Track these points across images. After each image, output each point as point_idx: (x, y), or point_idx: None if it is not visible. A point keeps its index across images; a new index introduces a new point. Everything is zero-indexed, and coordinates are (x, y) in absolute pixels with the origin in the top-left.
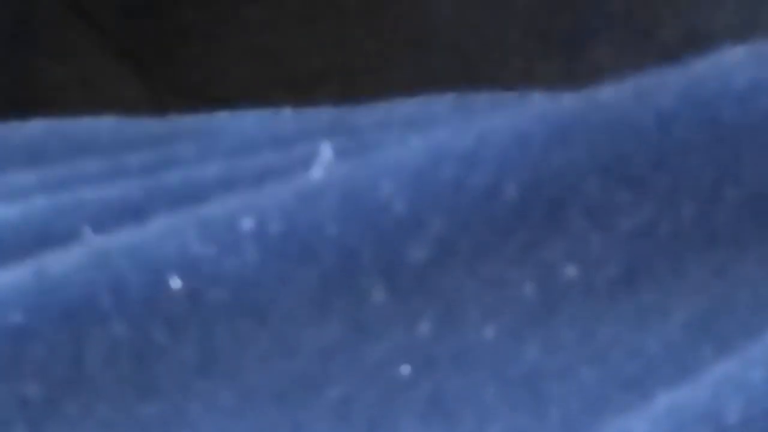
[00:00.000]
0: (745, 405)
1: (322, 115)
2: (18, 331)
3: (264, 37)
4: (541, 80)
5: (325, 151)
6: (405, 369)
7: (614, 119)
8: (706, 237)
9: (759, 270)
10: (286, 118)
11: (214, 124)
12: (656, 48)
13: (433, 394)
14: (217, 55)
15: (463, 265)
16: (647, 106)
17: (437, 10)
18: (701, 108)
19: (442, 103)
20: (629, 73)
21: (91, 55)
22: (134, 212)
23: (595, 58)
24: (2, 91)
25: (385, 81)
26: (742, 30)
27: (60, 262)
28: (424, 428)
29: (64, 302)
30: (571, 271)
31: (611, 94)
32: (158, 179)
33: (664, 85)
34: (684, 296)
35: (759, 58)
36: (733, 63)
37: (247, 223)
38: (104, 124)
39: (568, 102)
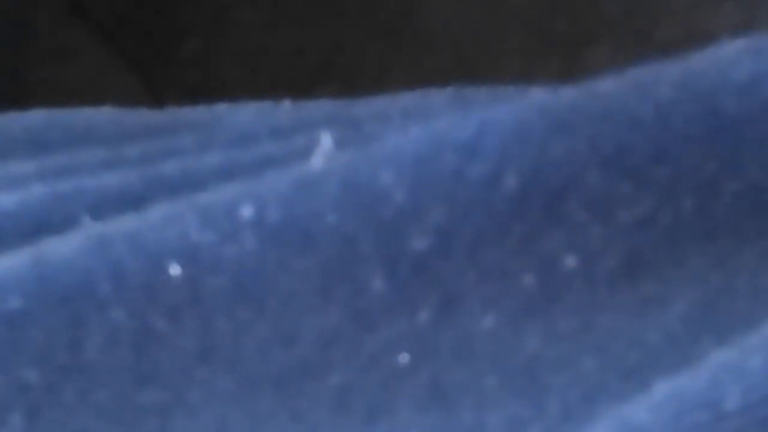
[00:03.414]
0: (744, 392)
1: (322, 107)
2: (16, 316)
3: (262, 37)
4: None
5: (326, 140)
6: (404, 357)
7: (614, 110)
8: (706, 228)
9: (758, 261)
10: (285, 110)
11: (213, 115)
12: (654, 49)
13: (432, 383)
14: (216, 55)
15: (463, 255)
16: (647, 97)
17: (436, 11)
18: (701, 99)
19: (441, 96)
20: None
21: (90, 55)
22: (133, 201)
23: (594, 59)
24: (2, 90)
25: (383, 81)
26: (741, 31)
27: (59, 248)
28: (423, 417)
29: (63, 288)
30: (570, 261)
31: (611, 86)
32: (157, 169)
33: (663, 77)
34: (684, 287)
35: (758, 51)
36: (732, 55)
37: (247, 211)
38: (103, 115)
39: (568, 93)
